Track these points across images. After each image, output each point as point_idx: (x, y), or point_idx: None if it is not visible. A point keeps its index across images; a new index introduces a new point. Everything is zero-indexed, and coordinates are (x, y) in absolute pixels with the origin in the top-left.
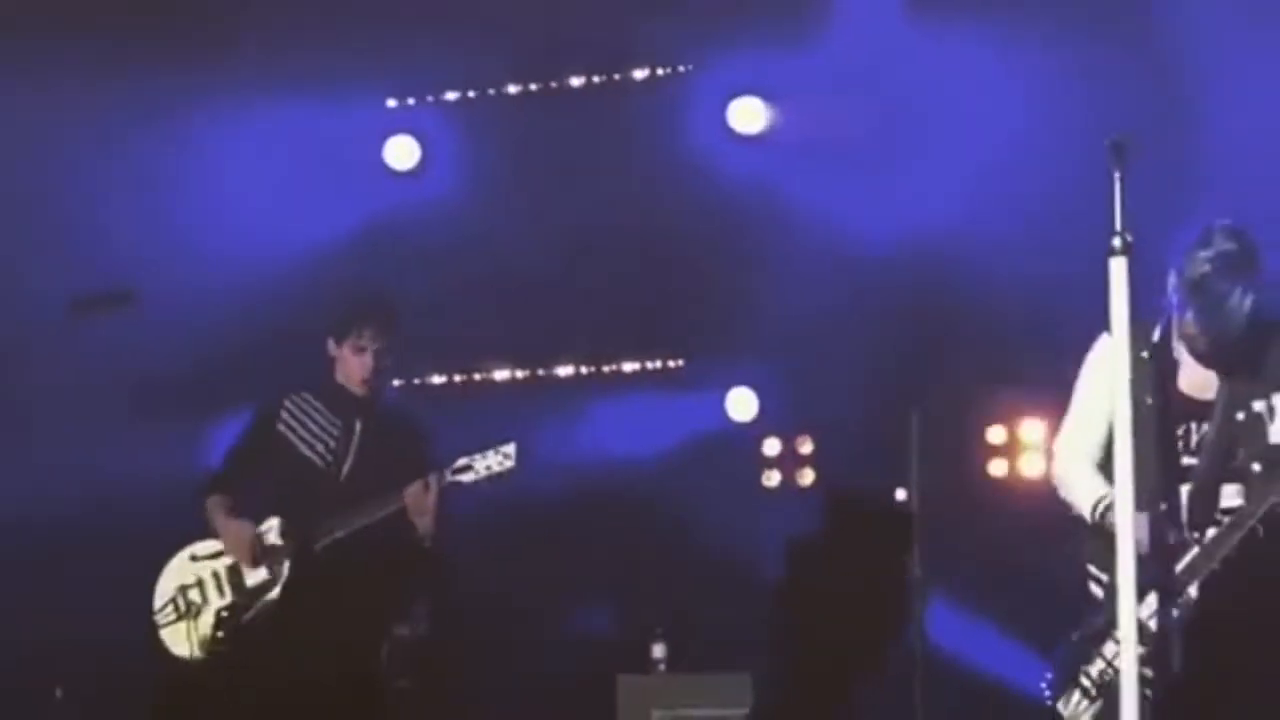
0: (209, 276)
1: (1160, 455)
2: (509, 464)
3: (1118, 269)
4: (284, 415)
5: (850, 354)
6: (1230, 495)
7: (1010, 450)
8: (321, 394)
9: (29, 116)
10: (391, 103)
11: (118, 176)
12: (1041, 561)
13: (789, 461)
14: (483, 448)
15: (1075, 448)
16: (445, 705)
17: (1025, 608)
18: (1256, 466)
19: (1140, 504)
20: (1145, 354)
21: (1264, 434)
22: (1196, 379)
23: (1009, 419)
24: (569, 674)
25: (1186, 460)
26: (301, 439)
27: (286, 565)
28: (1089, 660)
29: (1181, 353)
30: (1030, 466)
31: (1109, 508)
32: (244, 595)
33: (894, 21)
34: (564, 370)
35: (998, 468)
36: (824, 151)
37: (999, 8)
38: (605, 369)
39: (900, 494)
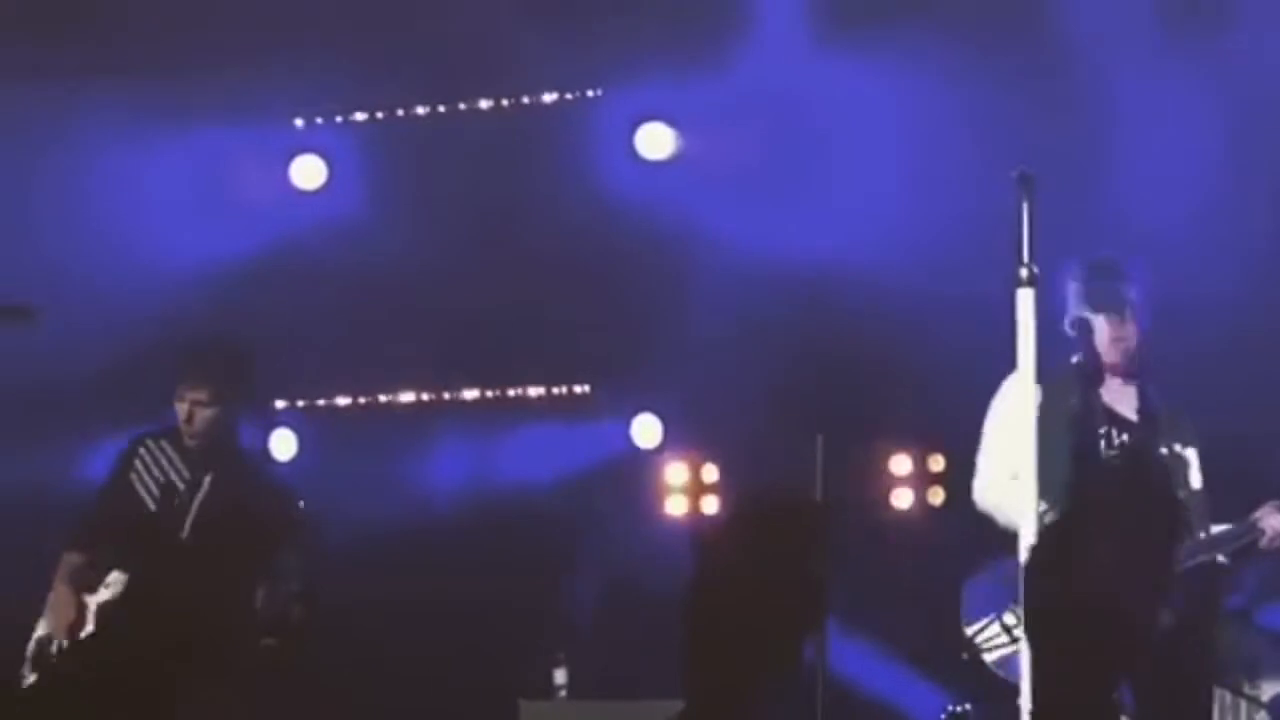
0: (112, 294)
1: (1081, 449)
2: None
3: (1024, 300)
4: (137, 463)
5: (756, 381)
6: None
7: (916, 481)
8: (173, 440)
9: None
10: (299, 122)
11: (19, 195)
12: (943, 593)
13: (694, 489)
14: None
15: (998, 477)
16: (310, 666)
17: (925, 638)
18: (1181, 494)
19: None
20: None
21: (1186, 473)
22: (1116, 395)
23: (913, 449)
24: (471, 697)
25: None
26: (148, 490)
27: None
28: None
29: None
30: (935, 497)
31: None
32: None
33: (801, 51)
34: (469, 394)
35: (901, 498)
36: (731, 178)
37: (904, 40)
38: (511, 393)
39: None
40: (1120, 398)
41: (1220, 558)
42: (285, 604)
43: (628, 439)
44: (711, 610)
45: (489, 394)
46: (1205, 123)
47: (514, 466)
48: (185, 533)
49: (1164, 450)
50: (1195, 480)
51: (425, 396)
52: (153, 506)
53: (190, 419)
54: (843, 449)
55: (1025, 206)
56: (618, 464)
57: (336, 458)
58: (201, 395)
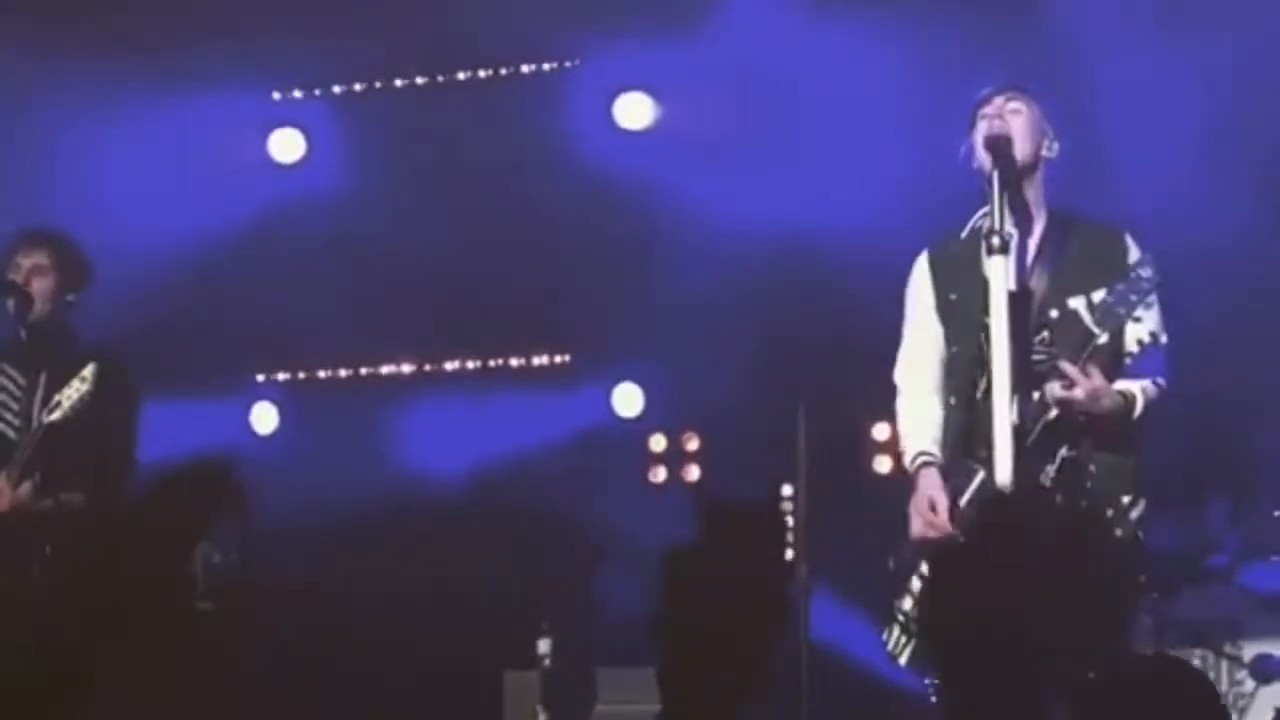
0: (93, 262)
1: (971, 350)
2: (87, 386)
3: (996, 267)
4: None
5: (737, 350)
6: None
7: (895, 447)
8: (8, 352)
9: None
10: (276, 95)
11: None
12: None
13: (675, 458)
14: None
15: (911, 380)
16: (249, 631)
17: None
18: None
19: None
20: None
21: (1083, 331)
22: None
23: (894, 416)
24: (455, 668)
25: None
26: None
27: None
28: (900, 594)
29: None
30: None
31: (923, 465)
32: None
33: (778, 15)
34: (450, 365)
35: (882, 464)
36: (710, 146)
37: (885, 2)
38: (491, 364)
39: (787, 489)
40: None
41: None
42: (222, 565)
43: (609, 408)
44: (681, 625)
45: (469, 365)
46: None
47: (495, 437)
48: (20, 465)
49: (1054, 312)
50: (1088, 321)
51: (405, 368)
52: (13, 435)
53: (29, 283)
54: (824, 416)
55: (996, 172)
56: (599, 433)
57: (317, 430)
58: (42, 259)
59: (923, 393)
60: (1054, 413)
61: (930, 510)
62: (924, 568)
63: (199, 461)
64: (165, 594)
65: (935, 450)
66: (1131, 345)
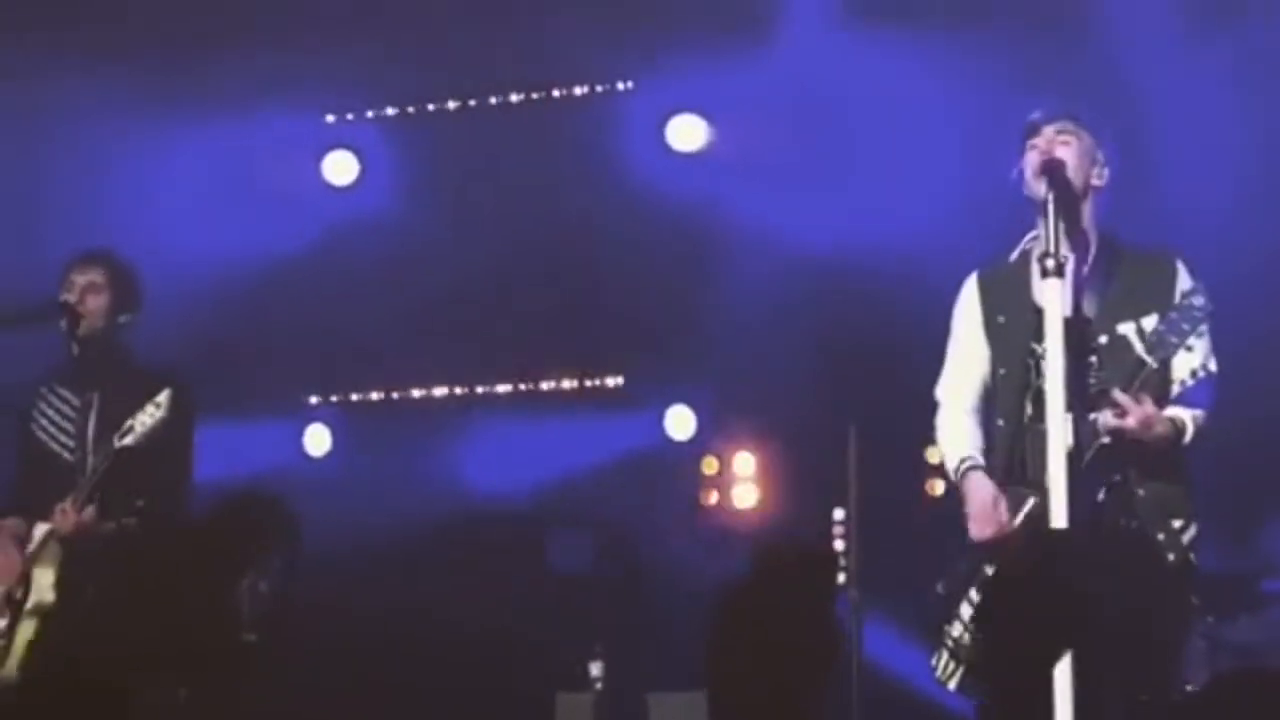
0: (147, 284)
1: (1021, 374)
2: (161, 413)
3: (1051, 289)
4: (35, 414)
5: (790, 371)
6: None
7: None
8: (62, 373)
9: None
10: (330, 118)
11: (55, 190)
12: None
13: (727, 480)
14: (142, 403)
15: (953, 396)
16: (295, 662)
17: None
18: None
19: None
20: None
21: (1134, 358)
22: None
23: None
24: (507, 690)
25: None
26: (49, 435)
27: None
28: (950, 620)
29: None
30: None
31: (970, 469)
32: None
33: (832, 38)
34: (503, 387)
35: (936, 487)
36: (762, 168)
37: (936, 24)
38: (544, 386)
39: (839, 513)
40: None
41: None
42: (269, 597)
43: (661, 431)
44: (733, 652)
45: (522, 387)
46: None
47: (548, 460)
48: (86, 489)
49: (1103, 339)
50: (1139, 349)
51: (459, 390)
52: (68, 457)
53: (83, 300)
54: (877, 438)
55: (1051, 196)
56: (651, 456)
57: (371, 453)
58: (96, 277)
59: (964, 409)
60: (1105, 439)
61: (991, 506)
62: (974, 593)
63: (246, 492)
64: (212, 626)
65: (980, 458)
66: (1183, 374)
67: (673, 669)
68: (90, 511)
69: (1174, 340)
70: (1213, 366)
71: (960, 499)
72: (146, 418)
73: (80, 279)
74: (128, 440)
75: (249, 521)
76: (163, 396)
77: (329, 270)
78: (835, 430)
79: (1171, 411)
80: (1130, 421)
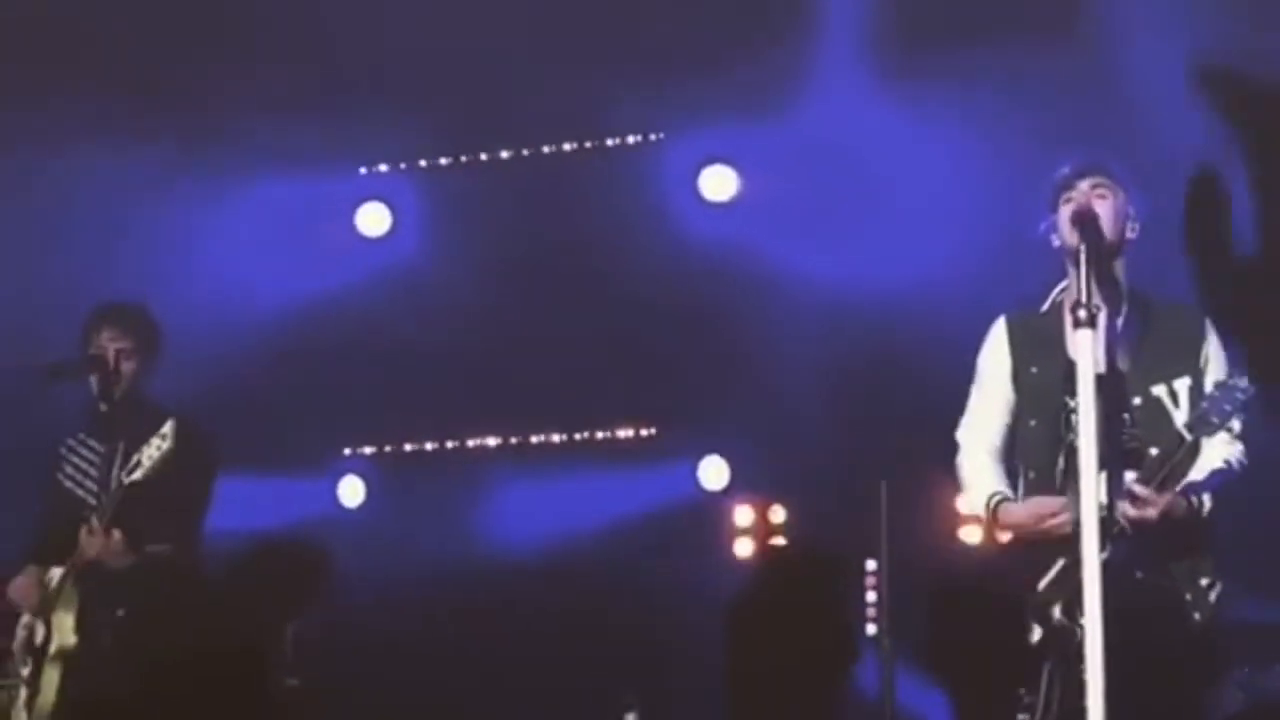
0: (179, 341)
1: (1053, 427)
2: (168, 444)
3: (1083, 340)
4: (62, 464)
5: (822, 421)
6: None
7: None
8: (90, 424)
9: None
10: (362, 170)
11: (100, 245)
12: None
13: (761, 530)
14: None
15: (976, 439)
16: (336, 705)
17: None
18: (1154, 451)
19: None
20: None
21: (1166, 418)
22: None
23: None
24: None
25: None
26: (76, 482)
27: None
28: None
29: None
30: (1003, 534)
31: (1001, 501)
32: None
33: (861, 94)
34: (535, 438)
35: (971, 534)
36: (793, 220)
37: (963, 85)
38: (577, 437)
39: (871, 564)
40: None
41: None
42: (309, 648)
43: (695, 481)
44: (749, 666)
45: (555, 438)
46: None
47: (581, 511)
48: (107, 517)
49: (1137, 400)
50: (1178, 419)
51: (492, 442)
52: (93, 503)
53: (117, 365)
54: (910, 487)
55: (1083, 247)
56: (685, 506)
57: (404, 504)
58: (127, 344)
59: (987, 452)
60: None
61: (1048, 515)
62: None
63: (287, 543)
64: (255, 672)
65: (1010, 493)
66: (1216, 461)
67: (707, 718)
68: (118, 537)
69: (1215, 421)
70: (1244, 459)
71: (993, 535)
72: (154, 450)
73: (111, 345)
74: (136, 475)
75: (289, 569)
76: (167, 428)
77: (363, 322)
78: (867, 479)
79: (1192, 483)
80: (1150, 513)
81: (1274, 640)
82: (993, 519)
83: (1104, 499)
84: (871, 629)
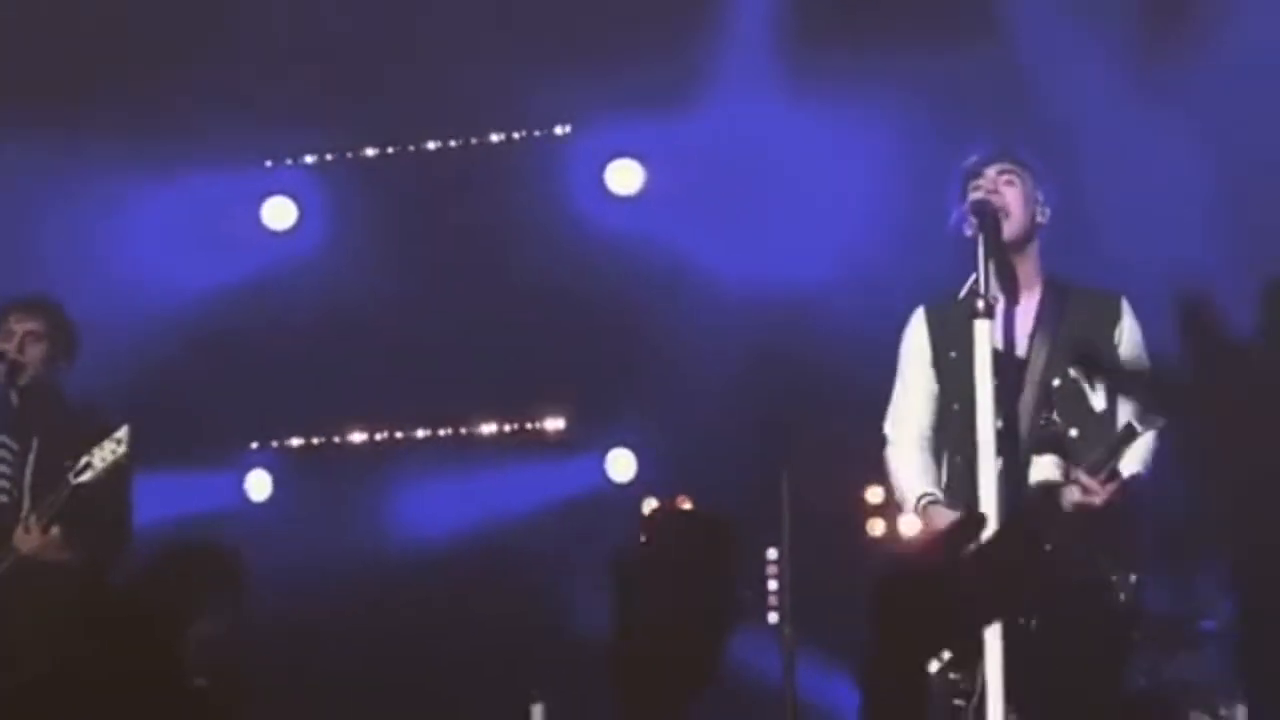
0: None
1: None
2: (122, 449)
3: (981, 330)
4: None
5: (729, 414)
6: (1045, 466)
7: (888, 510)
8: (1, 422)
9: None
10: (268, 163)
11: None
12: None
13: (660, 513)
14: (96, 441)
15: (902, 432)
16: (244, 704)
17: None
18: (1074, 432)
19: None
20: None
21: (1083, 401)
22: (1004, 321)
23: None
24: None
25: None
26: None
27: None
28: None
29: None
30: (909, 525)
31: (930, 504)
32: None
33: (767, 91)
34: (443, 430)
35: (875, 527)
36: (699, 213)
37: (867, 82)
38: (485, 429)
39: (772, 553)
40: (1006, 324)
41: None
42: (217, 647)
43: (603, 473)
44: (630, 629)
45: (462, 430)
46: (1182, 172)
47: (488, 503)
48: (23, 514)
49: (1056, 382)
50: (1097, 403)
51: (398, 434)
52: (4, 499)
53: (21, 350)
54: (818, 480)
55: (981, 237)
56: (593, 499)
57: (311, 497)
58: (36, 325)
59: (915, 444)
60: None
61: None
62: None
63: (192, 539)
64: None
65: (939, 493)
66: (1144, 453)
67: (610, 712)
68: (56, 533)
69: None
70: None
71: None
72: (107, 454)
73: (19, 327)
74: (86, 477)
75: (195, 567)
76: (122, 433)
77: (269, 316)
78: (775, 471)
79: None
80: (1095, 501)
81: (1176, 631)
82: (923, 520)
83: (1055, 475)
84: (773, 617)
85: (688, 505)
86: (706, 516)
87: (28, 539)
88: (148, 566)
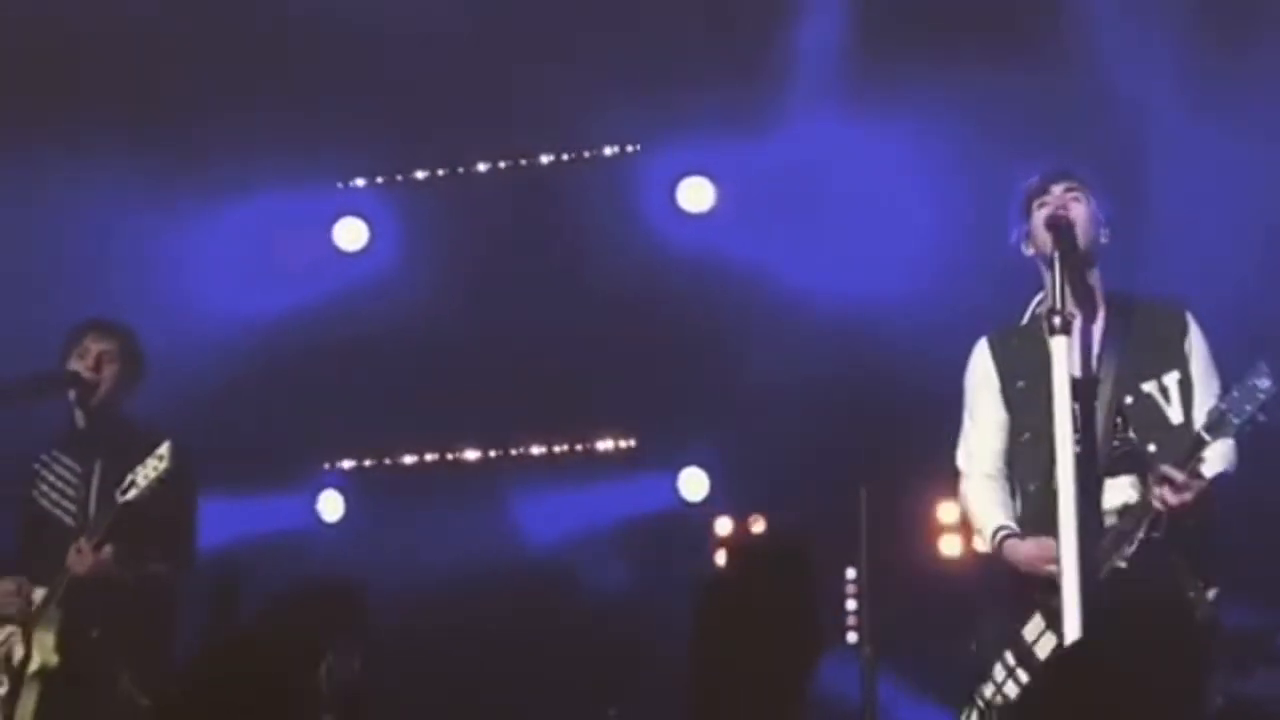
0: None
1: (1047, 439)
2: (164, 464)
3: (1058, 346)
4: (36, 481)
5: (801, 431)
6: (1120, 487)
7: (965, 528)
8: (65, 442)
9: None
10: (339, 185)
11: (96, 258)
12: None
13: (741, 541)
14: (143, 459)
15: (975, 466)
16: None
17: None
18: (1152, 447)
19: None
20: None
21: (1159, 414)
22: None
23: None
24: None
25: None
26: (51, 501)
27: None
28: (983, 679)
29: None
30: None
31: (1006, 538)
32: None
33: (835, 113)
34: (515, 450)
35: (949, 545)
36: (771, 232)
37: (932, 105)
38: (557, 449)
39: (850, 572)
40: (1079, 342)
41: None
42: (347, 678)
43: (675, 493)
44: (714, 659)
45: (534, 450)
46: (1242, 189)
47: (561, 522)
48: (98, 535)
49: (1129, 399)
50: (1174, 416)
51: (472, 454)
52: (70, 522)
53: (98, 368)
54: (891, 498)
55: (1057, 255)
56: (665, 518)
57: (384, 519)
58: (111, 346)
59: (988, 476)
60: (1157, 508)
61: (1052, 559)
62: (1008, 655)
63: (321, 580)
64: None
65: (1014, 526)
66: (1221, 459)
67: None
68: (108, 552)
69: (1235, 421)
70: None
71: (997, 566)
72: (150, 471)
73: (95, 346)
74: (130, 495)
75: (325, 608)
76: (164, 448)
77: (338, 336)
78: (848, 489)
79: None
80: (1187, 497)
81: (1254, 645)
82: (998, 554)
83: (1132, 497)
84: (852, 637)
85: (760, 526)
86: (786, 541)
87: (80, 560)
88: (279, 608)
